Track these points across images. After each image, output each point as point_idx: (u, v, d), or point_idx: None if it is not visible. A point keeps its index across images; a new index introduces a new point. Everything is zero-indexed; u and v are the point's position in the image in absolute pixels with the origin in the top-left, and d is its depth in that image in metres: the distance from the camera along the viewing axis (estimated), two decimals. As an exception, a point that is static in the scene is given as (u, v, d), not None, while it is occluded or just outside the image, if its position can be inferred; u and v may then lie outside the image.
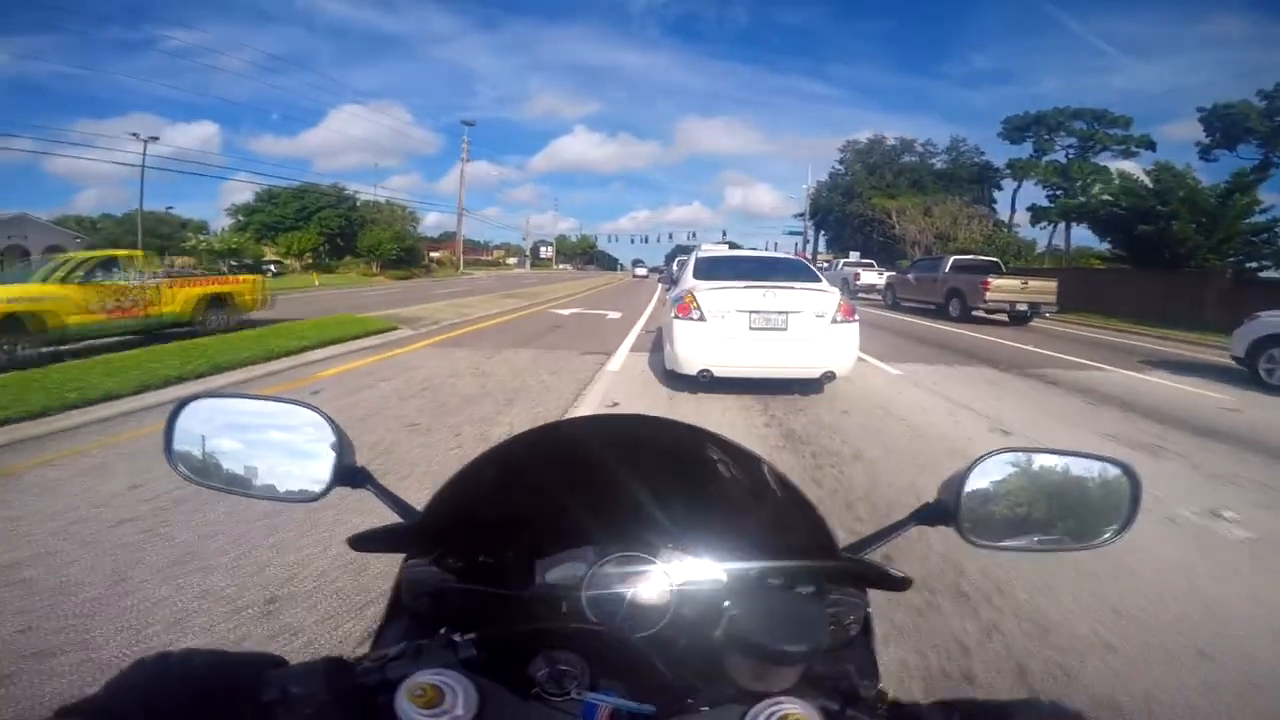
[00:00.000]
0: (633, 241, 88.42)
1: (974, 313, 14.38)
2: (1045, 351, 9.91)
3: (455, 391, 5.58)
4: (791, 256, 8.72)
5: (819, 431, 4.59)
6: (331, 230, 45.42)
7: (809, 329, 5.48)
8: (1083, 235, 42.26)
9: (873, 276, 24.74)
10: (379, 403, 5.04)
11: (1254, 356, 7.44)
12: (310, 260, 43.30)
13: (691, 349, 5.51)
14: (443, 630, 0.52)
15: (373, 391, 5.51)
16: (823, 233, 60.89)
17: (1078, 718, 0.45)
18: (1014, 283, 14.42)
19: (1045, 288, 14.35)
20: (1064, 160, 43.91)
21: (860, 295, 22.11)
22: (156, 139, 34.81)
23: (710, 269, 6.38)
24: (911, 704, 0.48)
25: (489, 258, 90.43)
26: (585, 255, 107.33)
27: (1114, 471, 0.66)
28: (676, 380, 5.91)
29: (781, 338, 5.48)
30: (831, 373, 5.57)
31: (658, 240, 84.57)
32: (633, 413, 0.66)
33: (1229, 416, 5.67)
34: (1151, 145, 42.08)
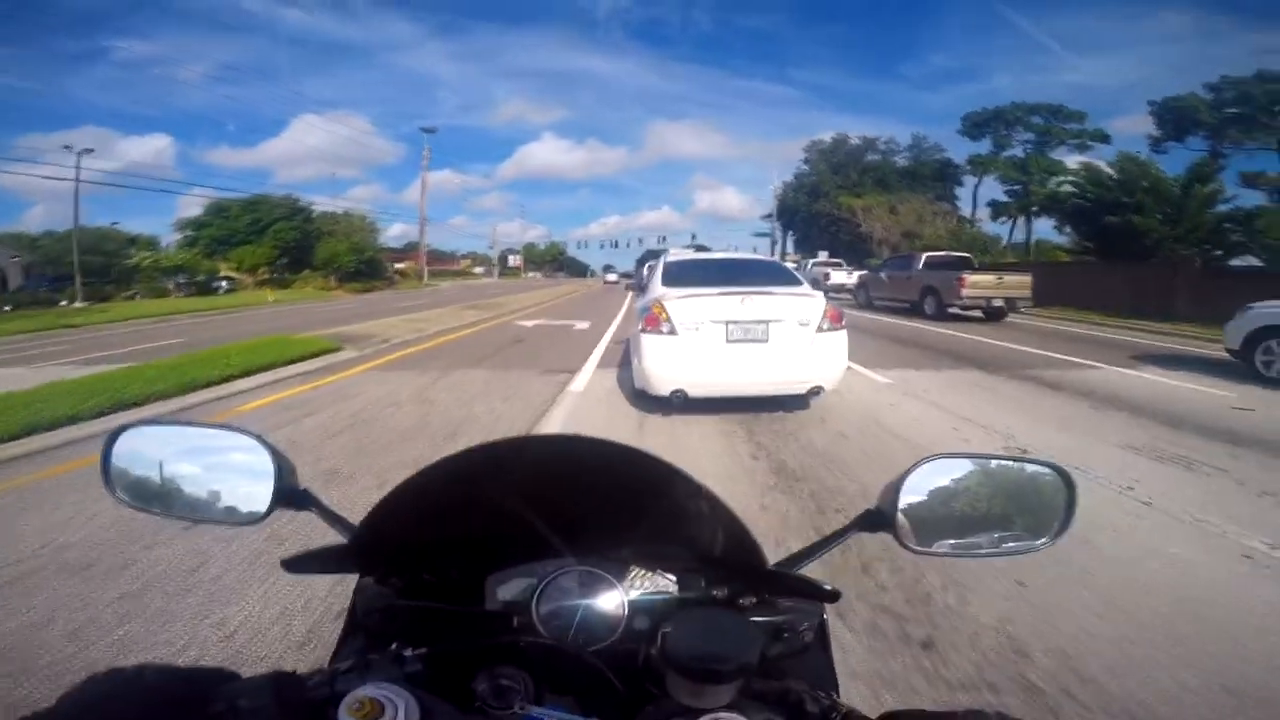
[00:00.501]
0: (602, 247, 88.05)
1: (949, 310, 14.01)
2: (1028, 349, 9.54)
3: (390, 426, 4.84)
4: (768, 258, 8.03)
5: (815, 463, 3.96)
6: (286, 243, 43.04)
7: (793, 339, 4.82)
8: (1043, 229, 43.29)
9: (842, 276, 25.18)
10: (299, 441, 4.32)
11: (1250, 349, 7.14)
12: (266, 275, 41.13)
13: (662, 367, 4.81)
14: (393, 646, 0.52)
15: (295, 428, 4.75)
16: (790, 233, 60.28)
17: None
18: (989, 278, 14.05)
19: (1020, 283, 14.05)
20: (1022, 155, 44.45)
21: (831, 295, 20.54)
22: (92, 151, 32.61)
23: (680, 274, 5.58)
24: (861, 716, 0.48)
25: (456, 267, 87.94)
26: (555, 263, 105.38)
27: (1048, 475, 0.66)
28: (648, 401, 5.18)
29: (763, 350, 4.79)
30: (819, 388, 4.95)
31: (627, 245, 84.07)
32: (570, 433, 0.68)
33: (1244, 418, 5.25)
34: (1106, 139, 42.34)
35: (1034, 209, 41.83)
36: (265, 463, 0.64)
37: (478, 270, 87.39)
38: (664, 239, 68.55)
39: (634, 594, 0.60)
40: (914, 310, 15.40)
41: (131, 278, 34.36)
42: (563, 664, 0.54)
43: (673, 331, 4.79)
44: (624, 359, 7.27)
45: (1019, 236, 43.73)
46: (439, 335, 11.38)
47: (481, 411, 5.33)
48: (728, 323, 4.79)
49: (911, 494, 0.63)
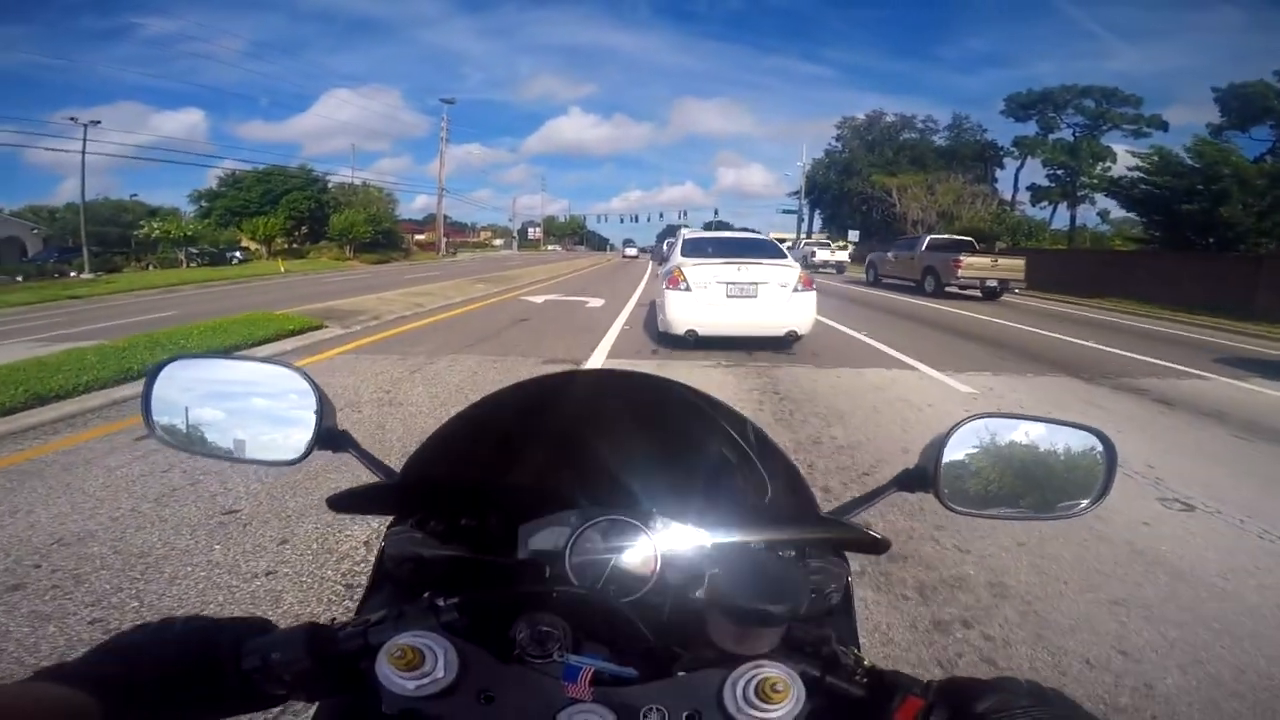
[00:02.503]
0: (622, 221, 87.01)
1: (947, 288, 15.18)
2: (1103, 348, 8.27)
3: (337, 435, 3.78)
4: (761, 237, 9.46)
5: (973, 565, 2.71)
6: (300, 214, 42.65)
7: (775, 296, 6.69)
8: (1087, 215, 41.51)
9: (827, 254, 31.09)
10: (203, 464, 3.08)
11: None
12: (282, 246, 40.71)
13: (680, 313, 6.75)
14: (425, 595, 0.51)
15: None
16: (818, 211, 58.18)
17: (1057, 696, 0.45)
18: (985, 260, 15.25)
19: (1014, 265, 15.12)
20: (1070, 139, 42.12)
21: (819, 270, 27.85)
22: (99, 123, 30.92)
23: (695, 248, 7.51)
24: (890, 672, 0.48)
25: (475, 239, 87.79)
26: (575, 236, 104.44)
27: (1090, 440, 0.66)
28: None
29: (753, 304, 6.69)
30: (794, 332, 6.74)
31: (647, 220, 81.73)
32: (615, 368, 0.69)
33: None
34: (1164, 125, 39.97)
35: (1082, 194, 40.73)
36: (307, 401, 0.63)
37: (497, 243, 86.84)
38: (685, 214, 67.46)
39: (667, 546, 0.58)
40: (916, 289, 16.39)
41: (149, 249, 33.73)
42: (595, 614, 0.52)
43: (688, 289, 6.67)
44: (646, 324, 8.52)
45: (1059, 221, 42.09)
46: (438, 312, 10.36)
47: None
48: (728, 283, 6.67)
49: (953, 454, 0.62)
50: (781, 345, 6.86)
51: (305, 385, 0.64)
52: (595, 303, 12.23)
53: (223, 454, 0.65)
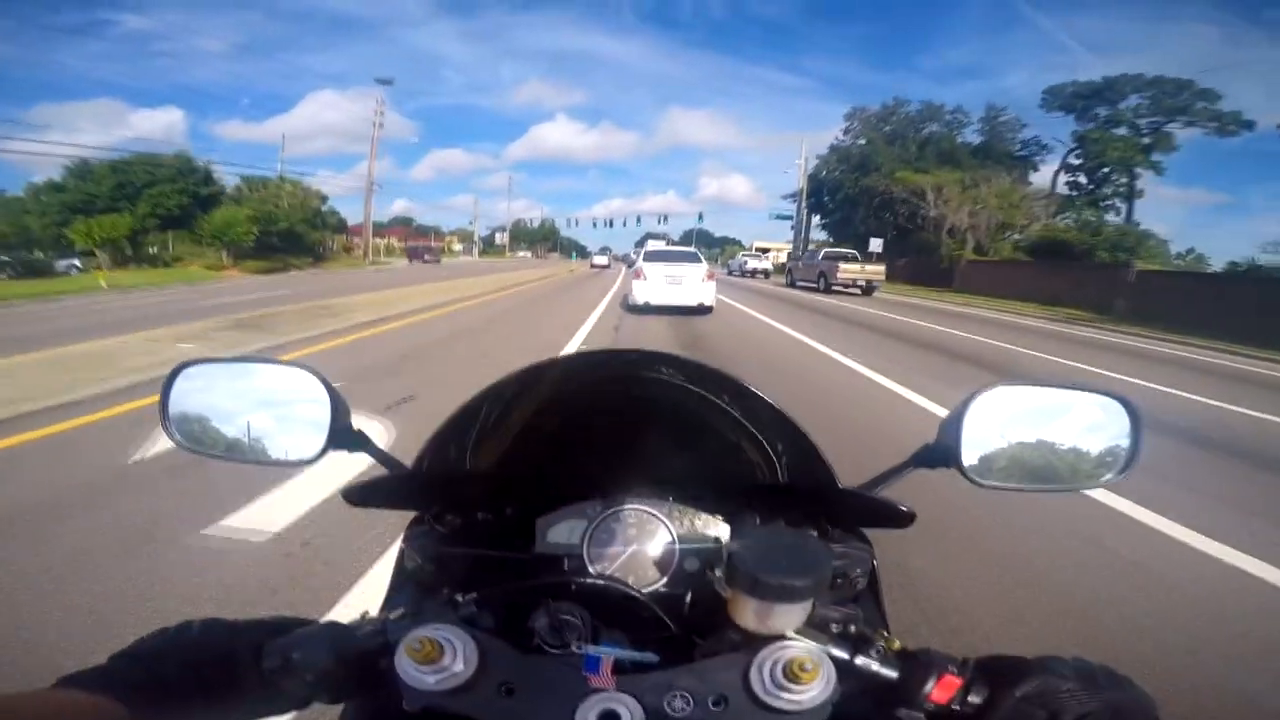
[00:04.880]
0: (596, 226, 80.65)
1: (834, 287, 22.98)
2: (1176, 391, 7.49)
3: None
4: (689, 249, 17.05)
5: None
6: (169, 211, 35.25)
7: (693, 283, 13.16)
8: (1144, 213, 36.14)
9: (755, 262, 41.41)
10: None
11: None
12: (151, 248, 33.80)
13: (640, 293, 13.26)
14: (445, 591, 0.54)
15: None
16: (818, 217, 51.20)
17: (1106, 673, 0.45)
18: (855, 266, 23.17)
19: (877, 271, 23.41)
20: (1133, 134, 37.49)
21: (753, 275, 38.24)
22: None
23: (650, 255, 14.38)
24: (923, 650, 0.49)
25: (437, 244, 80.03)
26: (548, 241, 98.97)
27: (1114, 407, 0.66)
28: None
29: (680, 287, 13.16)
30: (703, 303, 13.12)
31: (623, 224, 77.04)
32: (627, 348, 0.67)
33: None
34: (1249, 124, 35.72)
35: (1140, 193, 37.55)
36: (321, 401, 0.66)
37: (457, 247, 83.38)
38: (665, 219, 66.47)
39: (685, 532, 0.62)
40: (816, 289, 23.80)
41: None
42: (614, 604, 0.55)
43: (646, 279, 13.29)
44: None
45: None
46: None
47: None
48: (667, 276, 13.20)
49: (973, 427, 0.62)
50: (701, 313, 13.23)
51: (319, 385, 0.67)
52: (505, 340, 9.49)
53: (238, 456, 0.69)
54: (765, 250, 45.32)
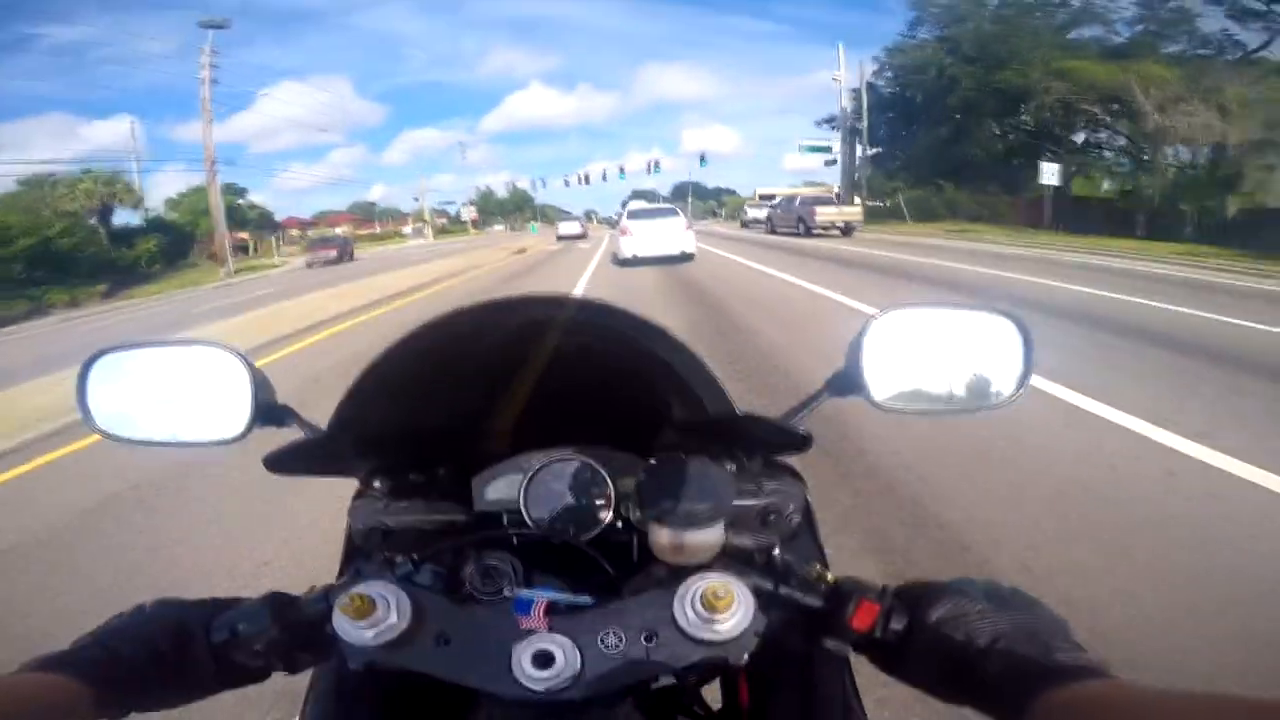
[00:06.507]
0: (567, 185, 65.70)
1: (813, 231, 22.85)
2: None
3: None
4: (668, 205, 20.32)
5: None
6: None
7: (674, 234, 14.71)
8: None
9: (756, 212, 35.52)
10: None
11: None
12: None
13: (626, 247, 14.73)
14: (383, 555, 0.57)
15: None
16: (863, 144, 35.49)
17: (1015, 594, 0.48)
18: (833, 209, 23.86)
19: (854, 212, 24.10)
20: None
21: (752, 225, 34.31)
22: None
23: (635, 214, 16.06)
24: (847, 579, 0.51)
25: (341, 231, 61.17)
26: (528, 211, 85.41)
27: (1005, 324, 0.67)
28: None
29: (663, 240, 14.61)
30: (685, 251, 14.41)
31: (603, 179, 62.12)
32: (528, 294, 0.58)
33: None
34: None
35: None
36: (242, 379, 0.65)
37: (406, 231, 70.03)
38: (656, 165, 56.27)
39: (620, 480, 0.64)
40: (796, 233, 23.84)
41: None
42: (558, 556, 0.59)
43: (632, 234, 14.77)
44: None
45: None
46: None
47: None
48: (650, 230, 14.73)
49: (873, 351, 0.63)
50: (683, 261, 14.23)
51: (238, 363, 0.65)
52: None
53: (164, 441, 0.69)
54: (770, 197, 38.50)
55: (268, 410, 0.66)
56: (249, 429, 0.65)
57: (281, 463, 0.60)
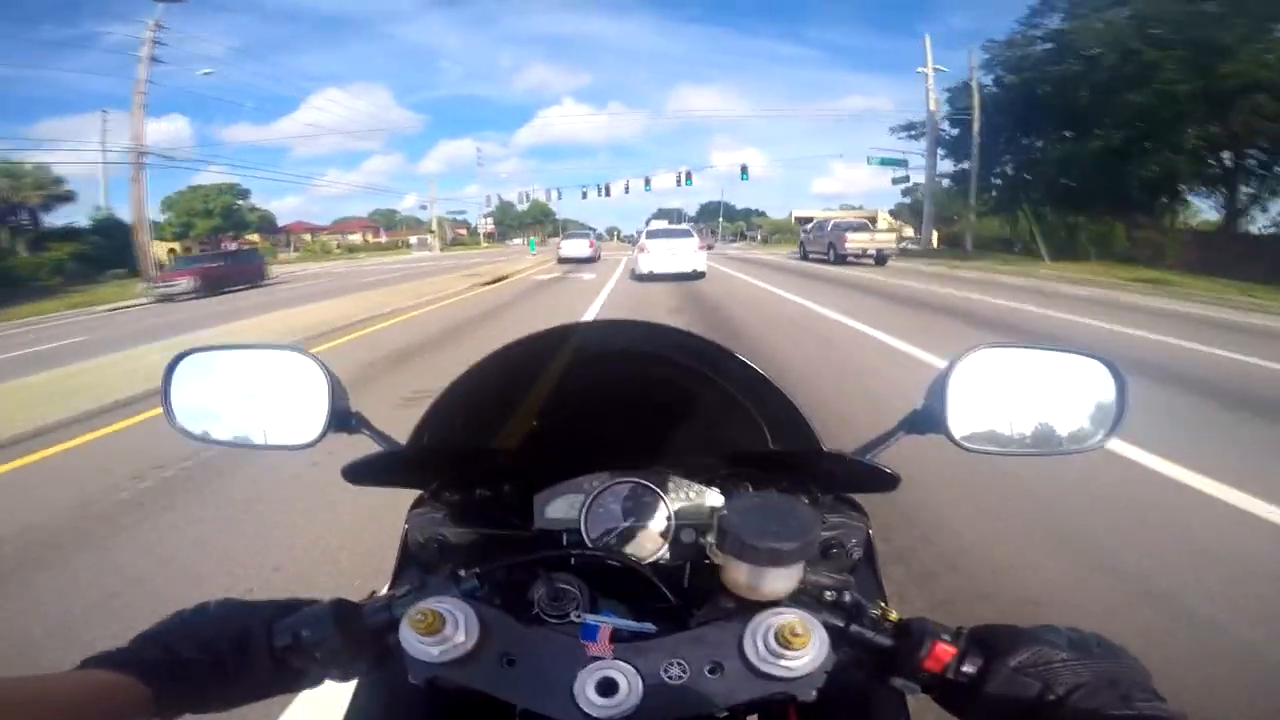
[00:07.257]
0: (585, 197, 54.05)
1: (845, 258, 21.82)
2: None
3: None
4: (685, 228, 21.23)
5: None
6: None
7: (687, 254, 16.07)
8: None
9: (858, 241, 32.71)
10: None
11: None
12: None
13: (644, 264, 16.00)
14: (448, 567, 0.56)
15: None
16: (948, 161, 30.62)
17: (1100, 642, 0.46)
18: (864, 235, 22.39)
19: (887, 239, 22.94)
20: None
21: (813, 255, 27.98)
22: None
23: (653, 233, 17.38)
24: (918, 619, 0.49)
25: (384, 239, 67.51)
26: (541, 223, 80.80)
27: (1098, 368, 0.66)
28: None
29: (677, 258, 16.01)
30: (697, 269, 15.87)
31: (625, 192, 49.13)
32: (612, 319, 0.63)
33: None
34: None
35: None
36: (319, 384, 0.68)
37: (412, 240, 64.97)
38: (688, 175, 42.57)
39: (679, 506, 0.64)
40: (826, 260, 23.12)
41: None
42: (613, 577, 0.58)
43: (649, 252, 16.21)
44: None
45: None
46: None
47: None
48: (666, 249, 16.17)
49: (958, 391, 0.63)
50: (695, 279, 15.59)
51: (317, 369, 0.68)
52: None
53: (240, 442, 0.71)
54: (807, 220, 34.30)
55: (341, 417, 0.68)
56: (323, 434, 0.68)
57: (359, 473, 0.61)
